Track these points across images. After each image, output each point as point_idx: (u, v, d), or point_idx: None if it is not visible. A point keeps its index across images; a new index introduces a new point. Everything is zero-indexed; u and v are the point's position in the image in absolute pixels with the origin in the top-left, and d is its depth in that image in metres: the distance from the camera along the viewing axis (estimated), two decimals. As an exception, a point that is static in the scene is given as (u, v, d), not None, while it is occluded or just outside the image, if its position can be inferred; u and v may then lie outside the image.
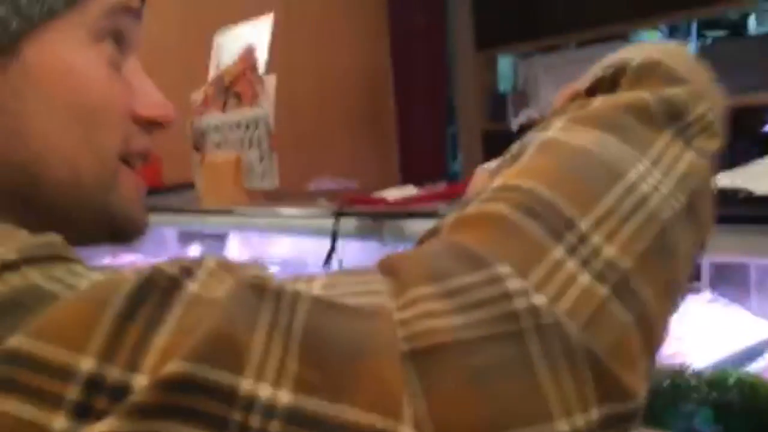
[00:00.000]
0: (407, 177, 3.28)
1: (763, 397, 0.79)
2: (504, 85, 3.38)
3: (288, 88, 1.57)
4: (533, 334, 0.31)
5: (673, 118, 0.41)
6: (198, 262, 0.34)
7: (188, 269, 0.33)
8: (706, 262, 1.08)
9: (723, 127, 0.44)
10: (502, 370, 0.30)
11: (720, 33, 3.26)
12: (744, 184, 0.86)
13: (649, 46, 0.47)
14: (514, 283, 0.32)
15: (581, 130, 0.40)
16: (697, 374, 0.83)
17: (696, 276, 1.12)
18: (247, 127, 1.51)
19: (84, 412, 0.29)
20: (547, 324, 0.31)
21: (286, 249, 1.63)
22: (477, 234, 0.34)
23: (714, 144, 0.42)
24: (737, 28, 3.22)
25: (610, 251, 0.34)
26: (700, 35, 3.29)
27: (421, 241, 0.38)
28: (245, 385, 0.29)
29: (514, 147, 0.42)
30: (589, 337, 0.32)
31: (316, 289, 0.33)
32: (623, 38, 2.89)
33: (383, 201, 1.21)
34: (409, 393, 0.29)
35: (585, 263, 0.33)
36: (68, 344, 0.30)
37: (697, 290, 1.11)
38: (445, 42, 3.27)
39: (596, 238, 0.34)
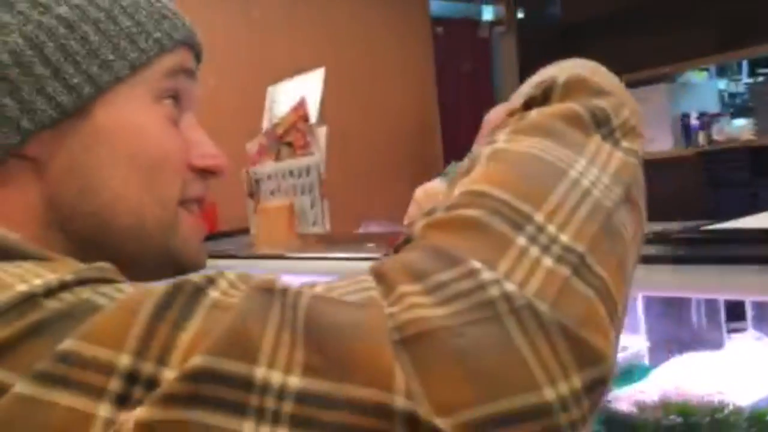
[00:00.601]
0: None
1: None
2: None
3: (339, 134, 1.64)
4: (509, 316, 0.34)
5: (600, 124, 0.45)
6: (221, 273, 0.39)
7: (211, 279, 0.38)
8: (749, 301, 1.09)
9: (641, 129, 0.48)
10: (486, 349, 0.33)
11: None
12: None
13: (570, 63, 0.51)
14: (486, 275, 0.35)
15: (524, 139, 0.44)
16: (738, 411, 0.84)
17: (740, 315, 1.13)
18: (300, 174, 1.58)
19: (124, 401, 0.33)
20: (521, 306, 0.34)
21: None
22: (449, 236, 0.38)
23: (638, 144, 0.46)
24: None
25: (565, 237, 0.38)
26: (752, 73, 3.28)
27: (397, 249, 0.41)
28: (259, 373, 0.33)
29: (465, 162, 0.45)
30: (559, 312, 0.35)
31: (317, 290, 0.37)
32: (670, 79, 2.91)
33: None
34: (403, 373, 0.32)
35: (545, 249, 0.37)
36: (109, 344, 0.34)
37: (742, 330, 1.11)
38: (491, 84, 3.33)
39: (552, 228, 0.38)
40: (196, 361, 0.33)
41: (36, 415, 0.34)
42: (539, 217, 0.39)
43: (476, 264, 0.35)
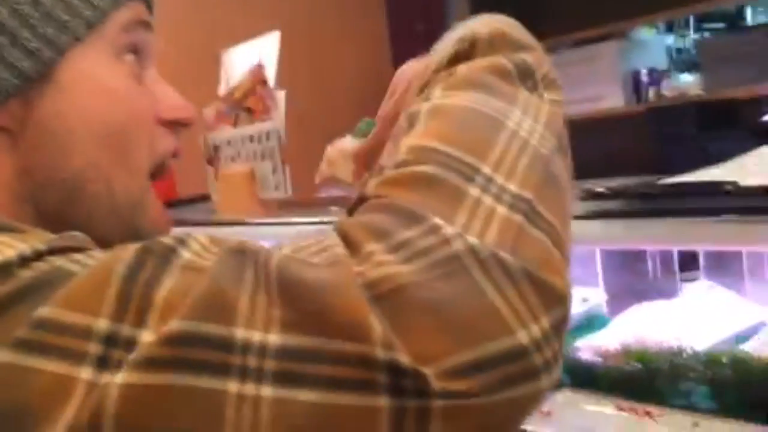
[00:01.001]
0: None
1: (755, 373, 0.84)
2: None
3: (293, 99, 1.64)
4: (476, 267, 0.35)
5: (526, 76, 0.47)
6: (190, 235, 0.39)
7: (182, 240, 0.38)
8: (702, 251, 1.13)
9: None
10: (459, 300, 0.34)
11: (718, 25, 3.31)
12: (732, 177, 0.92)
13: (487, 19, 0.53)
14: (449, 230, 0.36)
15: (459, 93, 0.45)
16: (695, 355, 0.88)
17: (693, 265, 1.18)
18: (260, 139, 1.57)
19: (104, 364, 0.34)
20: (486, 256, 0.36)
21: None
22: (404, 192, 0.39)
23: (559, 95, 0.49)
24: (735, 20, 3.26)
25: (513, 186, 0.40)
26: (698, 29, 3.34)
27: (352, 210, 0.42)
28: (239, 333, 0.34)
29: (403, 120, 0.46)
30: (520, 258, 0.36)
31: (285, 251, 0.38)
32: (620, 36, 2.95)
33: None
34: (380, 326, 0.33)
35: (497, 199, 0.39)
36: (85, 309, 0.35)
37: (695, 279, 1.16)
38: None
39: (499, 178, 0.40)
40: (175, 325, 0.34)
41: (19, 381, 0.34)
42: (486, 169, 0.40)
43: (437, 220, 0.37)
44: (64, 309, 0.35)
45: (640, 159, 2.61)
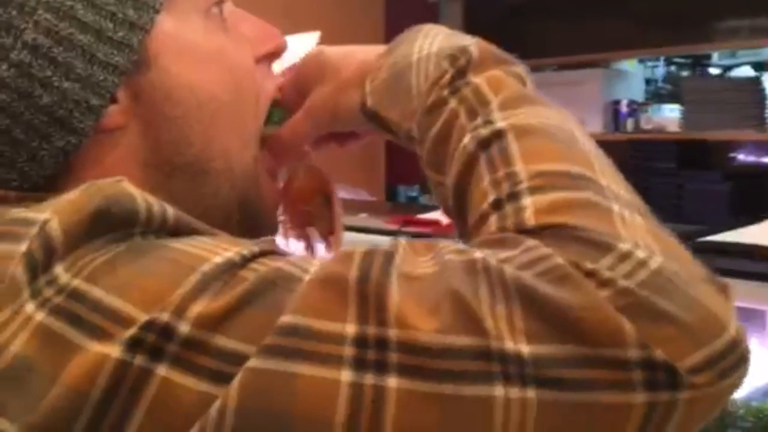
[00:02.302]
0: (393, 179, 3.39)
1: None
2: (487, 98, 3.52)
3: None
4: (678, 278, 0.37)
5: (524, 83, 0.49)
6: (392, 246, 0.39)
7: (394, 245, 0.39)
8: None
9: None
10: (684, 309, 0.36)
11: (684, 60, 3.49)
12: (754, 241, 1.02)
13: (435, 29, 0.53)
14: (639, 254, 0.37)
15: (523, 110, 0.45)
16: (745, 404, 0.96)
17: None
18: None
19: (362, 365, 0.34)
20: (676, 270, 0.37)
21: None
22: (571, 220, 0.39)
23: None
24: (701, 57, 3.46)
25: (625, 193, 0.42)
26: (668, 62, 3.52)
27: (502, 231, 0.40)
28: (494, 344, 0.34)
29: (470, 143, 0.44)
30: (691, 263, 0.39)
31: (510, 260, 0.37)
32: (603, 64, 3.08)
33: (438, 223, 1.33)
34: (635, 330, 0.35)
35: (630, 209, 0.40)
36: (330, 316, 0.35)
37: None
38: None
39: (614, 187, 0.41)
40: (425, 337, 0.34)
41: (281, 387, 0.34)
42: (603, 181, 0.41)
43: (621, 245, 0.37)
44: (308, 316, 0.35)
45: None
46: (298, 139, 0.58)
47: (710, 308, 0.37)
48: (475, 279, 0.36)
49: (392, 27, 3.33)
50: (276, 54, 0.56)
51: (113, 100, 0.47)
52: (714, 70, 3.34)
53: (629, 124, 2.93)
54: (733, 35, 2.63)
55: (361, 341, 0.35)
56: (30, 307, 0.36)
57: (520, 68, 0.50)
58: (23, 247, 0.37)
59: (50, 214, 0.38)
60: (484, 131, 0.45)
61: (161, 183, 0.49)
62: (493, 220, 0.41)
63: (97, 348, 0.35)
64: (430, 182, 0.50)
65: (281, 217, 0.62)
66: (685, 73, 3.26)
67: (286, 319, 0.35)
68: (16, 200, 0.45)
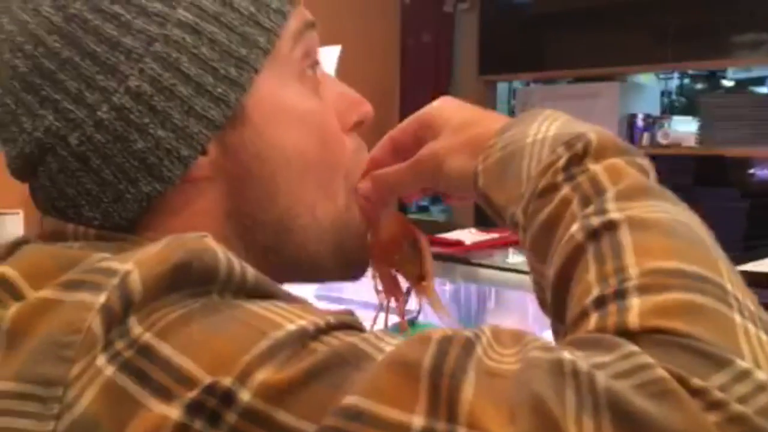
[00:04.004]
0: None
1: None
2: (501, 109, 3.53)
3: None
4: None
5: (646, 175, 0.46)
6: (476, 334, 0.37)
7: (476, 335, 0.36)
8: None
9: None
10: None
11: (698, 72, 3.49)
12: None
13: (564, 119, 0.50)
14: (760, 375, 0.33)
15: (641, 203, 0.42)
16: None
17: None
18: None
19: None
20: None
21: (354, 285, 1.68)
22: (681, 326, 0.35)
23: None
24: (715, 71, 3.45)
25: (751, 304, 0.38)
26: (683, 74, 3.51)
27: (600, 331, 0.37)
28: None
29: (578, 232, 0.42)
30: None
31: (602, 377, 0.34)
32: (614, 79, 3.07)
33: (461, 244, 1.33)
34: None
35: (754, 322, 0.36)
36: (398, 404, 0.33)
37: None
38: (450, 63, 3.40)
39: (739, 295, 0.38)
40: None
41: None
42: (728, 286, 0.38)
43: (740, 362, 0.34)
44: (375, 401, 0.33)
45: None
46: (399, 186, 0.58)
47: None
48: (561, 383, 0.33)
49: (408, 37, 3.33)
50: (364, 121, 0.56)
51: (203, 152, 0.47)
52: (728, 83, 3.34)
53: (645, 138, 2.92)
54: (750, 50, 2.62)
55: None
56: (101, 360, 0.36)
57: (644, 160, 0.47)
58: (102, 298, 0.37)
59: (132, 266, 0.38)
60: (596, 221, 0.42)
61: (242, 236, 0.49)
62: (593, 319, 0.38)
63: (159, 408, 0.34)
64: (531, 272, 0.48)
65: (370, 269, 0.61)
66: (699, 86, 3.26)
67: (350, 400, 0.33)
68: (95, 238, 0.46)
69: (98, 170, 0.46)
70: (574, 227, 0.42)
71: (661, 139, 2.85)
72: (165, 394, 0.34)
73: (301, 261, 0.52)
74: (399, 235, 0.60)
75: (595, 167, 0.45)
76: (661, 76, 3.37)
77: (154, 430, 0.34)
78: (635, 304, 0.37)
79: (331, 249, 0.53)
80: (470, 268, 1.33)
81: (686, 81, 3.50)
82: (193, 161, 0.47)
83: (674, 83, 3.46)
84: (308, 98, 0.51)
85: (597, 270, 0.40)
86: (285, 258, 0.51)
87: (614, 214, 0.41)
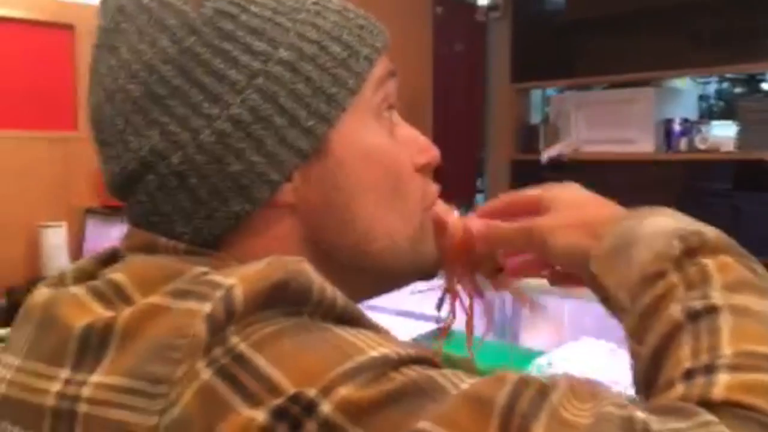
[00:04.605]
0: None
1: None
2: (535, 117, 3.52)
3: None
4: None
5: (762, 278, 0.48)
6: (554, 381, 0.39)
7: (552, 384, 0.39)
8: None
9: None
10: None
11: (737, 76, 3.44)
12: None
13: (679, 217, 0.53)
14: None
15: (744, 295, 0.45)
16: None
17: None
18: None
19: None
20: None
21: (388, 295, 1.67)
22: (764, 404, 0.37)
23: None
24: (754, 75, 3.40)
25: None
26: (720, 80, 3.46)
27: (683, 400, 0.39)
28: None
29: (679, 313, 0.44)
30: None
31: (654, 422, 0.36)
32: (649, 84, 3.04)
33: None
34: None
35: None
36: None
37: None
38: (483, 71, 3.40)
39: None
40: None
41: None
42: None
43: None
44: (445, 428, 0.35)
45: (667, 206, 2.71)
46: (505, 242, 0.62)
47: None
48: None
49: (441, 47, 3.34)
50: (431, 164, 0.59)
51: (289, 178, 0.51)
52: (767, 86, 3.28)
53: (682, 143, 2.88)
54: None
55: None
56: (201, 364, 0.38)
57: (759, 266, 0.49)
58: (208, 307, 0.40)
59: (236, 281, 0.41)
60: (698, 304, 0.44)
61: (317, 258, 0.51)
62: (679, 389, 0.40)
63: (247, 412, 0.37)
64: (630, 353, 0.49)
65: (446, 273, 0.65)
66: (738, 90, 3.21)
67: (422, 425, 0.35)
68: (185, 252, 0.49)
69: (195, 189, 0.49)
70: (676, 308, 0.45)
71: (699, 144, 2.81)
72: (254, 400, 0.37)
73: (380, 277, 0.56)
74: (470, 237, 0.64)
75: (706, 260, 0.47)
76: (699, 80, 3.33)
77: (241, 430, 0.36)
78: (722, 379, 0.38)
79: (408, 263, 0.57)
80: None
81: (725, 85, 3.45)
82: (279, 186, 0.50)
83: (712, 87, 3.41)
84: (384, 137, 0.55)
85: (691, 347, 0.42)
86: (363, 277, 0.55)
87: (717, 300, 0.44)
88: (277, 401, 0.36)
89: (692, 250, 0.48)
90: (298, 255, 0.48)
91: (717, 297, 0.44)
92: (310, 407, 0.36)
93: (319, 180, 0.52)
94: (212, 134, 0.48)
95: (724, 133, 2.83)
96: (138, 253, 0.50)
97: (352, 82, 0.52)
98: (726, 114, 3.09)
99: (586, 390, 0.39)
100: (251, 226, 0.51)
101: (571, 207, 0.59)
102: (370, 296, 0.55)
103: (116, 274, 0.46)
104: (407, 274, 0.58)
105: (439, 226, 0.61)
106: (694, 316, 0.44)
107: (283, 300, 0.41)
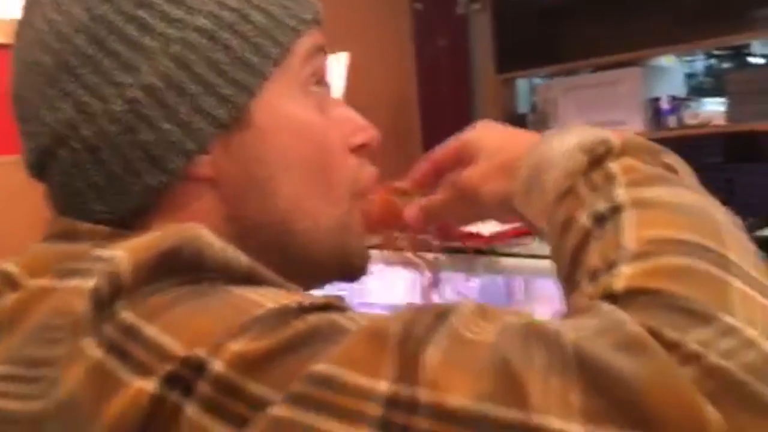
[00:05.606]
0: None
1: None
2: (523, 106, 3.49)
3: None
4: None
5: (673, 172, 0.47)
6: (454, 306, 0.37)
7: (452, 307, 0.37)
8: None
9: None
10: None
11: (725, 52, 3.41)
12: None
13: (590, 130, 0.51)
14: (748, 332, 0.33)
15: (650, 188, 0.43)
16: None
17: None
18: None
19: (386, 427, 0.32)
20: None
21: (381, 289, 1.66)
22: (673, 286, 0.35)
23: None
24: (741, 49, 3.37)
25: (756, 275, 0.38)
26: (708, 55, 3.44)
27: (610, 298, 0.36)
28: (535, 419, 0.30)
29: (586, 219, 0.42)
30: None
31: (566, 328, 0.34)
32: (635, 64, 3.02)
33: (479, 235, 1.31)
34: (717, 420, 0.29)
35: (759, 291, 0.36)
36: (365, 370, 0.34)
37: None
38: (468, 65, 3.38)
39: (746, 266, 0.37)
40: (459, 402, 0.32)
41: None
42: (733, 256, 0.38)
43: (728, 319, 0.33)
44: (342, 367, 0.34)
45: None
46: (445, 215, 0.62)
47: None
48: (530, 345, 0.33)
49: (423, 43, 3.32)
50: (367, 146, 0.57)
51: (206, 151, 0.50)
52: (756, 60, 3.25)
53: (672, 120, 2.86)
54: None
55: (391, 401, 0.33)
56: (87, 341, 0.37)
57: (672, 158, 0.48)
58: (92, 282, 0.38)
59: (122, 252, 0.39)
60: (602, 206, 0.43)
61: (240, 235, 0.50)
62: (586, 291, 0.39)
63: (137, 383, 0.35)
64: (558, 276, 0.47)
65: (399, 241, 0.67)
66: (726, 65, 3.18)
67: (319, 367, 0.34)
68: (108, 236, 0.47)
69: (107, 162, 0.48)
70: (583, 216, 0.44)
71: (688, 120, 2.79)
72: (144, 370, 0.35)
73: (302, 262, 0.54)
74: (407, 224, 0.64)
75: (613, 164, 0.46)
76: (687, 58, 3.31)
77: (131, 403, 0.34)
78: (624, 271, 0.37)
79: (332, 250, 0.55)
80: (493, 260, 1.31)
81: (712, 61, 3.43)
82: (196, 156, 0.49)
83: (700, 65, 3.39)
84: (311, 112, 0.53)
85: (599, 250, 0.41)
86: (287, 259, 0.53)
87: (621, 198, 0.43)
88: (168, 367, 0.35)
89: (598, 158, 0.47)
90: (222, 232, 0.46)
91: (621, 195, 0.43)
92: (200, 368, 0.34)
93: (240, 152, 0.50)
94: (123, 103, 0.47)
95: (713, 107, 2.81)
96: (57, 242, 0.48)
97: (275, 52, 0.50)
98: (715, 91, 3.07)
99: (496, 311, 0.37)
100: (171, 201, 0.49)
101: (492, 150, 0.58)
102: (298, 285, 0.54)
103: (7, 264, 0.45)
104: (328, 264, 0.56)
105: (381, 214, 0.61)
106: (600, 219, 0.43)
107: (178, 268, 0.39)
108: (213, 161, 0.50)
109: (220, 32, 0.49)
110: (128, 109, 0.47)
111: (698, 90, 3.20)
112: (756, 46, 3.28)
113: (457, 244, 1.31)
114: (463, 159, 0.60)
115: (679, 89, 3.10)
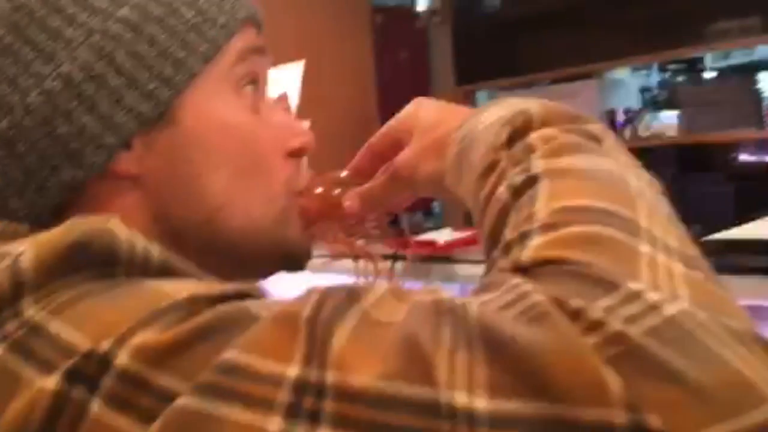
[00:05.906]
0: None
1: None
2: (483, 118, 3.52)
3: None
4: (701, 331, 0.31)
5: (598, 141, 0.45)
6: (368, 288, 0.36)
7: (362, 289, 0.35)
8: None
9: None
10: (699, 368, 0.30)
11: (678, 66, 3.49)
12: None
13: (514, 101, 0.49)
14: (652, 296, 0.32)
15: (565, 158, 0.42)
16: None
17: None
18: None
19: (295, 414, 0.31)
20: (703, 319, 0.31)
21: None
22: (579, 255, 0.34)
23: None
24: (694, 61, 3.45)
25: (672, 241, 0.36)
26: (661, 69, 3.51)
27: (518, 270, 0.36)
28: (443, 396, 0.30)
29: (503, 192, 0.42)
30: (732, 318, 0.32)
31: (477, 302, 0.34)
32: (591, 77, 3.07)
33: (433, 244, 1.31)
34: (618, 388, 0.29)
35: (668, 254, 0.35)
36: (274, 355, 0.32)
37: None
38: (428, 77, 3.40)
39: (657, 232, 0.36)
40: (367, 381, 0.31)
41: (205, 430, 0.31)
42: (644, 223, 0.37)
43: (632, 285, 0.33)
44: (251, 354, 0.32)
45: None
46: (384, 199, 0.60)
47: (744, 373, 0.30)
48: (438, 321, 0.32)
49: (383, 56, 3.33)
50: (304, 150, 0.56)
51: (129, 146, 0.48)
52: (708, 74, 3.34)
53: (627, 132, 2.91)
54: (724, 36, 2.62)
55: (300, 386, 0.31)
56: None
57: (595, 126, 0.46)
58: None
59: (27, 247, 0.37)
60: (519, 178, 0.42)
61: (169, 234, 0.49)
62: (499, 264, 0.37)
63: (39, 382, 0.33)
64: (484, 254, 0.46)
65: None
66: (679, 78, 3.25)
67: (227, 355, 0.32)
68: (25, 235, 0.44)
69: (24, 156, 0.46)
70: (502, 190, 0.42)
71: (642, 132, 2.84)
72: (48, 367, 0.33)
73: (239, 258, 0.52)
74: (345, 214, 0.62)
75: (533, 135, 0.44)
76: (643, 72, 3.38)
77: (31, 403, 0.33)
78: (533, 242, 0.36)
79: (271, 245, 0.54)
80: (449, 267, 1.31)
81: (666, 75, 3.50)
82: (117, 152, 0.47)
83: (654, 78, 3.46)
84: (242, 112, 0.52)
85: (513, 223, 0.40)
86: (222, 256, 0.51)
87: (537, 169, 0.41)
88: (70, 362, 0.33)
89: (519, 131, 0.45)
90: (150, 232, 0.45)
91: (537, 166, 0.42)
92: (105, 362, 0.33)
93: (165, 149, 0.49)
94: (40, 94, 0.46)
95: (666, 120, 2.87)
96: None
97: (204, 48, 0.49)
98: (668, 103, 3.14)
99: (411, 292, 0.36)
100: (92, 199, 0.48)
101: (425, 128, 0.56)
102: (232, 280, 0.53)
103: None
104: (269, 257, 0.55)
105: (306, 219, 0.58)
106: (516, 191, 0.41)
107: (87, 262, 0.37)
108: (137, 158, 0.48)
109: (145, 25, 0.48)
110: (44, 100, 0.46)
111: (652, 102, 3.27)
112: (708, 59, 3.38)
113: (411, 252, 1.31)
114: (401, 140, 0.58)
115: (634, 102, 3.17)
